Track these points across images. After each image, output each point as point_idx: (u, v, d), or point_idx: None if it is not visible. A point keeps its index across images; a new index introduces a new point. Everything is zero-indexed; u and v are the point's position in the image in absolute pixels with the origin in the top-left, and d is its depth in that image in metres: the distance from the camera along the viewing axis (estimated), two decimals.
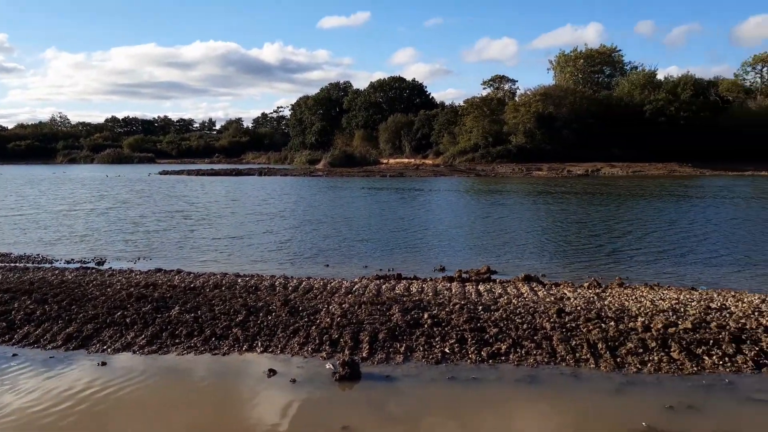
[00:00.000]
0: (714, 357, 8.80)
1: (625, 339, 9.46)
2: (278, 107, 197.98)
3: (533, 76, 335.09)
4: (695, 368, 8.46)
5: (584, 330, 9.89)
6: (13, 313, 10.99)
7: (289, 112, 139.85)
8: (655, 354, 8.91)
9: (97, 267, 16.23)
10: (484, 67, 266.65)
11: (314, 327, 10.07)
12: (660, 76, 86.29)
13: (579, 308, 11.21)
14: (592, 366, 8.58)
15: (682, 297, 12.20)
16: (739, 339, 9.41)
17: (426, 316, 10.53)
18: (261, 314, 10.82)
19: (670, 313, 10.88)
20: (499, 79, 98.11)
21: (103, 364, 8.81)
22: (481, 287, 13.14)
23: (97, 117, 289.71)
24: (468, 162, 77.63)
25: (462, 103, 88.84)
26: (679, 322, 10.19)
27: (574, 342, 9.39)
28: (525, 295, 12.42)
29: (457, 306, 11.27)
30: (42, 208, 32.82)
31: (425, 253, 18.89)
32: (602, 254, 18.50)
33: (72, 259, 17.49)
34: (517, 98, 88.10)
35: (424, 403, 7.62)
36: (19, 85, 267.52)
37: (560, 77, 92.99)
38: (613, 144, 72.80)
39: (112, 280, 13.78)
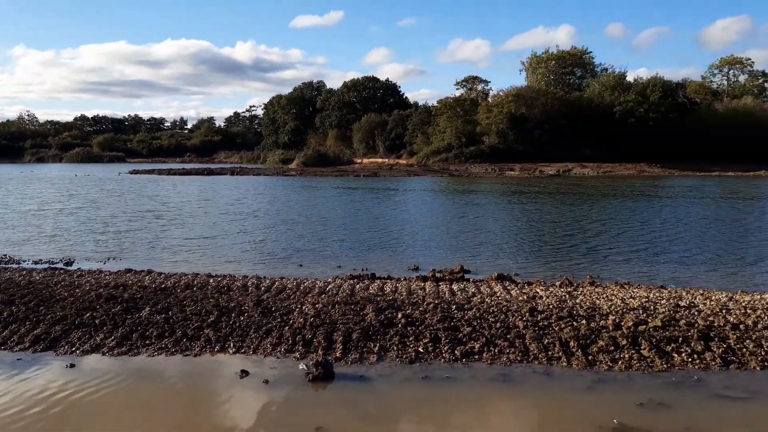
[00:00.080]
0: (683, 354, 8.93)
1: (596, 337, 9.56)
2: (251, 106, 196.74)
3: (506, 77, 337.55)
4: (665, 365, 8.58)
5: (556, 328, 9.97)
6: None
7: (262, 112, 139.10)
8: (625, 352, 9.02)
9: (65, 267, 15.94)
10: (458, 67, 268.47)
11: (287, 327, 10.00)
12: (630, 78, 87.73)
13: (551, 307, 11.30)
14: (564, 364, 8.65)
15: (652, 295, 12.37)
16: (707, 336, 9.57)
17: (400, 315, 10.52)
18: (233, 315, 10.71)
19: (641, 311, 11.02)
20: (472, 80, 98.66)
21: (72, 366, 8.65)
22: (454, 286, 13.19)
23: (66, 115, 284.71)
24: (441, 162, 77.95)
25: (435, 104, 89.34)
26: (649, 320, 10.32)
27: (546, 340, 9.46)
28: (498, 294, 12.49)
29: (431, 305, 11.29)
30: (10, 208, 32.16)
31: (399, 252, 18.90)
32: (574, 253, 18.69)
33: (40, 260, 17.16)
34: (490, 99, 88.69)
35: (398, 403, 7.61)
36: None
37: (532, 78, 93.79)
38: (584, 144, 73.76)
39: (81, 280, 13.54)
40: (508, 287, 13.18)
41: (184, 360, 8.92)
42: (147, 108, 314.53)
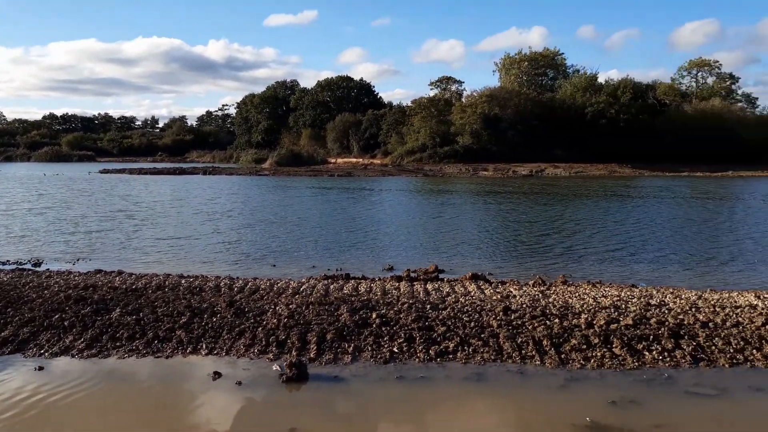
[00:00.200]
0: (654, 352, 9.05)
1: (569, 336, 9.65)
2: (223, 105, 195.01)
3: (479, 78, 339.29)
4: (636, 363, 8.68)
5: (530, 327, 10.04)
6: None
7: (235, 111, 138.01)
8: (597, 350, 9.11)
9: (33, 268, 15.63)
10: (432, 68, 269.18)
11: (261, 328, 9.92)
12: (601, 80, 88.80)
13: (525, 306, 11.37)
14: (537, 363, 8.70)
15: (623, 294, 12.52)
16: (677, 334, 9.71)
17: (374, 315, 10.50)
18: (206, 316, 10.60)
19: (612, 310, 11.14)
20: (446, 80, 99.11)
21: (41, 368, 8.48)
22: (429, 286, 13.20)
23: (35, 114, 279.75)
24: (416, 162, 78.15)
25: (410, 104, 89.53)
26: (621, 319, 10.44)
27: (520, 339, 9.51)
28: (472, 293, 12.53)
29: (406, 305, 11.29)
30: None
31: (374, 252, 18.88)
32: (547, 253, 18.85)
33: (7, 261, 16.80)
34: (463, 99, 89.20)
35: (372, 403, 7.59)
36: None
37: (505, 79, 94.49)
38: (557, 145, 74.53)
39: (49, 281, 13.29)
40: (482, 287, 13.24)
41: (156, 362, 8.80)
42: (117, 107, 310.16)
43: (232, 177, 63.70)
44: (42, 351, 9.11)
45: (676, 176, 63.23)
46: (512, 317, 10.58)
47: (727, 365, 8.64)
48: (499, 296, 12.25)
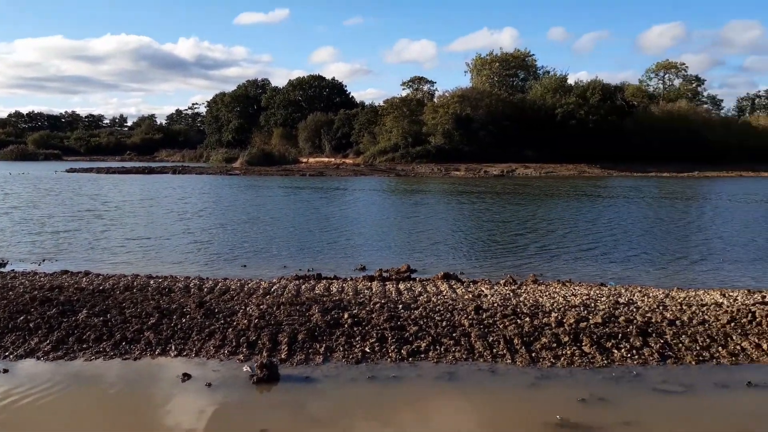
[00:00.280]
0: (623, 350, 9.16)
1: (539, 334, 9.72)
2: (193, 104, 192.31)
3: (451, 78, 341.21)
4: (605, 361, 8.78)
5: (501, 326, 10.09)
6: None
7: (205, 109, 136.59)
8: (567, 348, 9.19)
9: None
10: (404, 68, 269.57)
11: (231, 329, 9.82)
12: (571, 81, 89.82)
13: (496, 305, 11.44)
14: (508, 361, 8.75)
15: (592, 293, 12.66)
16: (645, 332, 9.85)
17: (346, 315, 10.46)
18: (175, 317, 10.45)
19: (582, 309, 11.26)
20: (418, 80, 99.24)
21: (5, 371, 8.28)
22: (401, 286, 13.20)
23: (0, 112, 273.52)
24: (388, 162, 78.16)
25: (382, 103, 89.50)
26: (590, 317, 10.56)
27: (491, 338, 9.56)
28: (444, 292, 12.56)
29: (378, 305, 11.27)
30: None
31: (346, 252, 18.84)
32: (519, 252, 19.01)
33: None
34: (435, 99, 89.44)
35: (344, 404, 7.56)
36: None
37: (477, 80, 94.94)
38: (527, 145, 75.17)
39: (14, 282, 12.99)
40: (454, 286, 13.28)
41: (124, 364, 8.66)
42: (85, 105, 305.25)
43: (202, 176, 63.08)
44: (6, 353, 8.90)
45: (643, 176, 64.25)
46: (484, 316, 10.62)
47: (693, 362, 8.79)
48: (470, 295, 12.30)
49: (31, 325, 9.97)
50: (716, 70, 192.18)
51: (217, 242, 20.50)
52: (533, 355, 8.98)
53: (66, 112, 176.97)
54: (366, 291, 12.62)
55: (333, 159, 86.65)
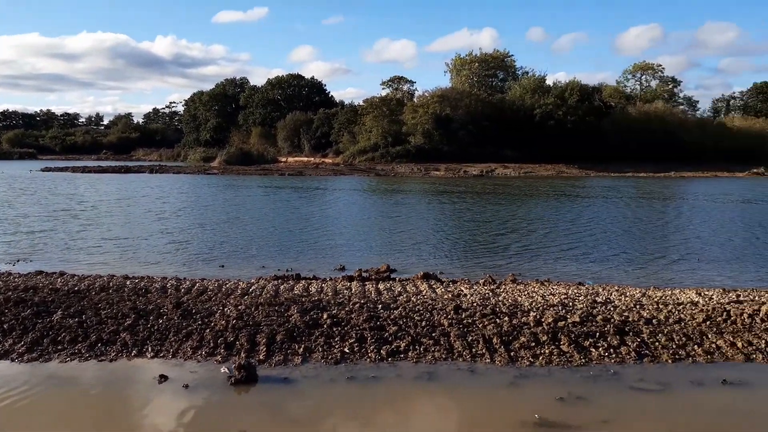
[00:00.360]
0: (600, 349, 9.23)
1: (518, 333, 9.75)
2: (171, 102, 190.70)
3: (431, 78, 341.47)
4: (583, 360, 8.84)
5: (480, 325, 10.12)
6: None
7: (183, 108, 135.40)
8: (546, 347, 9.24)
9: None
10: (384, 67, 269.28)
11: (208, 330, 9.73)
12: (549, 82, 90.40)
13: (475, 304, 11.46)
14: (487, 361, 8.77)
15: (570, 292, 12.74)
16: (622, 331, 9.93)
17: (325, 316, 10.42)
18: (151, 318, 10.33)
19: (560, 308, 11.32)
20: (398, 80, 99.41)
21: None
22: (381, 286, 13.18)
23: None
24: (368, 161, 78.09)
25: (362, 103, 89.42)
26: (568, 316, 10.62)
27: (470, 337, 9.57)
28: (424, 292, 12.56)
29: (357, 305, 11.24)
30: None
31: (325, 252, 18.77)
32: (498, 252, 19.08)
33: None
34: (415, 99, 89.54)
35: (323, 404, 7.52)
36: None
37: (456, 80, 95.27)
38: (506, 146, 75.57)
39: None
40: (434, 286, 13.29)
41: (99, 365, 8.54)
42: (60, 103, 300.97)
43: (179, 175, 62.53)
44: None
45: (620, 177, 64.91)
46: (463, 316, 10.64)
47: (669, 361, 8.87)
48: (450, 295, 12.31)
49: (5, 326, 9.80)
50: (692, 72, 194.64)
51: (195, 242, 20.33)
52: (512, 354, 9.01)
53: (41, 110, 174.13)
54: (345, 291, 12.59)
55: (312, 158, 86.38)
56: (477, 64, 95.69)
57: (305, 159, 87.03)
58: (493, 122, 78.07)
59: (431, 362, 8.72)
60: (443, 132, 78.14)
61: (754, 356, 9.05)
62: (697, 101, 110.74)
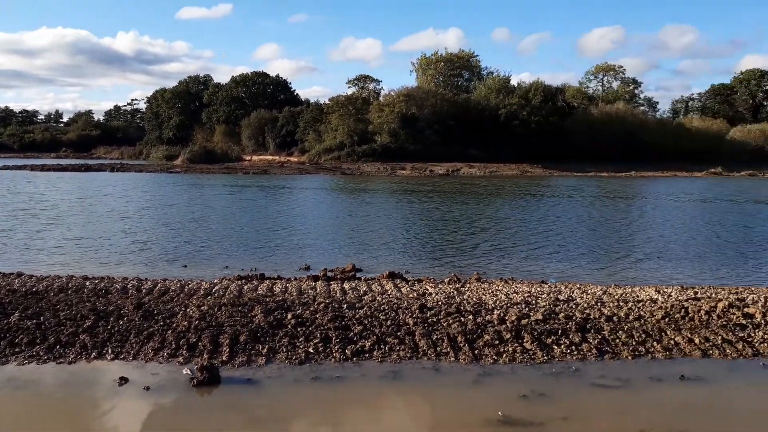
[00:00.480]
0: (562, 346, 9.35)
1: (482, 332, 9.83)
2: (133, 100, 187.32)
3: (397, 77, 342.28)
4: (546, 357, 8.94)
5: (445, 324, 10.16)
6: None
7: (145, 105, 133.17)
8: (509, 345, 9.32)
9: None
10: (349, 66, 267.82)
11: (170, 331, 9.59)
12: (514, 82, 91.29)
13: (440, 303, 11.52)
14: (452, 359, 8.82)
15: (534, 290, 12.89)
16: (584, 328, 10.08)
17: (290, 316, 10.36)
18: (111, 319, 10.14)
19: (523, 306, 11.44)
20: (363, 79, 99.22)
21: None
22: (346, 285, 13.15)
23: None
24: (334, 160, 77.87)
25: (327, 101, 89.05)
26: (531, 314, 10.74)
27: (435, 336, 9.61)
28: (389, 292, 12.58)
29: (322, 305, 11.20)
30: None
31: (290, 252, 18.66)
32: (463, 251, 19.21)
33: None
34: (381, 98, 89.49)
35: (287, 405, 7.48)
36: None
37: (422, 79, 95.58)
38: (472, 145, 76.13)
39: None
40: (399, 285, 13.31)
41: (58, 368, 8.36)
42: (19, 100, 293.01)
43: (141, 174, 61.55)
44: None
45: (583, 176, 65.89)
46: (428, 315, 10.68)
47: (630, 357, 9.04)
48: (415, 294, 12.35)
49: None
50: (653, 73, 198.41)
51: (158, 242, 20.03)
52: (476, 352, 9.07)
53: None
54: (310, 291, 12.53)
55: (277, 157, 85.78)
56: (443, 63, 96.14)
57: (270, 157, 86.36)
58: (458, 122, 78.53)
59: (396, 361, 8.73)
60: (409, 131, 78.32)
61: (711, 352, 9.28)
62: (657, 102, 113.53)
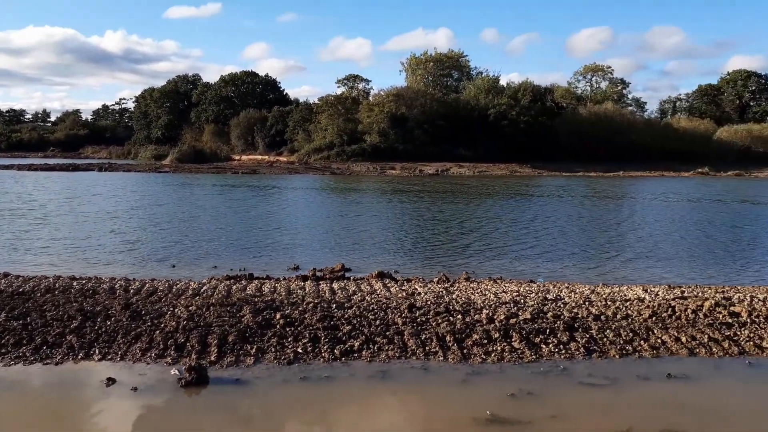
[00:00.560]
0: (550, 345, 9.39)
1: (471, 331, 9.85)
2: (121, 99, 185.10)
3: (386, 77, 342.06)
4: (534, 356, 8.98)
5: (434, 324, 10.18)
6: None
7: (133, 105, 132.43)
8: (498, 344, 9.36)
9: None
10: (339, 65, 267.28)
11: (158, 331, 9.55)
12: (503, 82, 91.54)
13: (429, 303, 11.53)
14: (440, 358, 8.83)
15: (522, 289, 12.93)
16: (572, 327, 10.13)
17: (278, 316, 10.34)
18: (99, 319, 10.08)
19: (512, 305, 11.48)
20: (353, 78, 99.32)
21: None
22: (335, 285, 13.15)
23: None
24: (323, 160, 77.74)
25: (317, 101, 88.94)
26: (520, 313, 10.78)
27: (424, 336, 9.63)
28: (378, 291, 12.58)
29: (311, 305, 11.18)
30: None
31: (279, 252, 18.63)
32: (453, 250, 19.25)
33: None
34: (371, 98, 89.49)
35: (275, 405, 7.47)
36: None
37: (412, 79, 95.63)
38: (461, 145, 76.29)
39: None
40: (388, 284, 13.32)
41: (45, 369, 8.30)
42: (6, 99, 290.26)
43: (130, 174, 61.21)
44: None
45: (572, 176, 66.19)
46: (417, 314, 10.70)
47: (617, 356, 9.09)
48: (404, 294, 12.36)
49: None
50: (640, 74, 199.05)
51: (147, 242, 19.93)
52: (465, 351, 9.09)
53: None
54: (299, 291, 12.52)
55: (267, 157, 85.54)
56: (432, 63, 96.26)
57: (259, 157, 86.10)
58: (448, 122, 78.64)
59: (385, 361, 8.74)
60: (399, 131, 78.35)
61: (697, 350, 9.35)
62: (645, 102, 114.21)
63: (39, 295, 11.70)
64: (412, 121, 78.97)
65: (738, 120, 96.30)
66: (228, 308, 10.84)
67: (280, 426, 7.05)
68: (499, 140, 76.74)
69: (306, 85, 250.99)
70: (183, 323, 9.90)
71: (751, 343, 9.71)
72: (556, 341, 9.54)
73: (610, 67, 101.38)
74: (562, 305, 11.57)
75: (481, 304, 11.51)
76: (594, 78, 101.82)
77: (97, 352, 8.81)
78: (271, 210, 30.50)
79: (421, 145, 76.10)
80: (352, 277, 14.30)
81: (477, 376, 8.28)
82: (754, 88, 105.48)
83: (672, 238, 22.86)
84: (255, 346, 9.06)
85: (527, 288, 13.12)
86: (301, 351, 8.99)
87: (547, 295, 12.37)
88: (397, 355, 8.94)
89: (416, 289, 12.82)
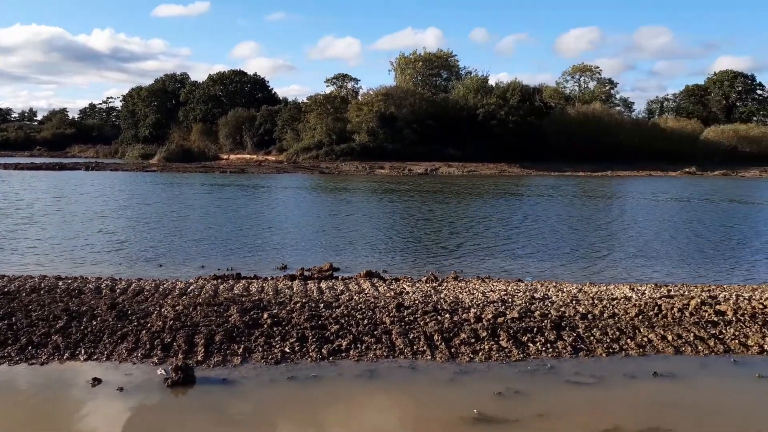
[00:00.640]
0: (538, 344, 9.42)
1: (459, 330, 9.87)
2: (108, 98, 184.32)
3: (375, 77, 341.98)
4: (521, 355, 9.00)
5: (422, 323, 10.19)
6: None
7: (121, 104, 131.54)
8: (485, 343, 9.37)
9: None
10: (328, 65, 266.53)
11: (145, 331, 9.49)
12: (492, 82, 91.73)
13: (417, 302, 11.54)
14: (428, 357, 8.84)
15: (510, 288, 12.96)
16: (559, 326, 10.16)
17: (266, 315, 10.30)
18: (85, 319, 10.01)
19: (500, 304, 11.51)
20: (342, 78, 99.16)
21: None
22: (323, 285, 13.12)
23: None
24: (312, 159, 77.61)
25: (306, 100, 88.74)
26: (507, 312, 10.81)
27: (412, 335, 9.63)
28: (366, 291, 12.57)
29: (299, 304, 11.16)
30: None
31: (267, 251, 18.58)
32: (441, 249, 19.27)
33: None
34: (360, 97, 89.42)
35: (263, 405, 7.45)
36: None
37: (401, 79, 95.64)
38: (450, 144, 76.44)
39: None
40: (377, 284, 13.31)
41: (30, 369, 8.24)
42: None
43: (117, 173, 60.86)
44: None
45: (560, 176, 66.46)
46: (405, 313, 10.69)
47: (604, 354, 9.13)
48: (392, 293, 12.35)
49: None
50: (628, 74, 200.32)
51: (134, 242, 19.82)
52: (452, 350, 9.10)
53: None
54: (287, 290, 12.48)
55: (255, 156, 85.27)
56: (421, 63, 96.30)
57: (248, 156, 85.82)
58: (437, 121, 78.73)
59: (372, 360, 8.73)
60: (388, 130, 78.36)
61: (684, 349, 9.41)
62: (633, 102, 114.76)
63: (24, 294, 11.60)
64: (401, 121, 78.99)
65: (724, 120, 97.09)
66: (215, 308, 10.80)
67: (267, 426, 7.02)
68: (488, 140, 76.93)
69: (295, 84, 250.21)
70: (169, 323, 9.84)
71: (737, 341, 9.78)
72: (543, 340, 9.57)
73: (598, 67, 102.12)
74: (549, 304, 11.61)
75: (469, 303, 11.53)
76: (582, 78, 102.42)
77: (82, 352, 8.75)
78: (259, 209, 30.41)
79: (410, 145, 76.15)
80: (340, 277, 14.28)
81: (464, 375, 8.29)
82: (740, 88, 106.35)
83: (662, 237, 23.00)
84: (242, 346, 9.03)
85: (515, 287, 13.15)
86: (288, 350, 8.96)
87: (535, 294, 12.41)
88: (385, 354, 8.94)
89: (404, 289, 12.82)
